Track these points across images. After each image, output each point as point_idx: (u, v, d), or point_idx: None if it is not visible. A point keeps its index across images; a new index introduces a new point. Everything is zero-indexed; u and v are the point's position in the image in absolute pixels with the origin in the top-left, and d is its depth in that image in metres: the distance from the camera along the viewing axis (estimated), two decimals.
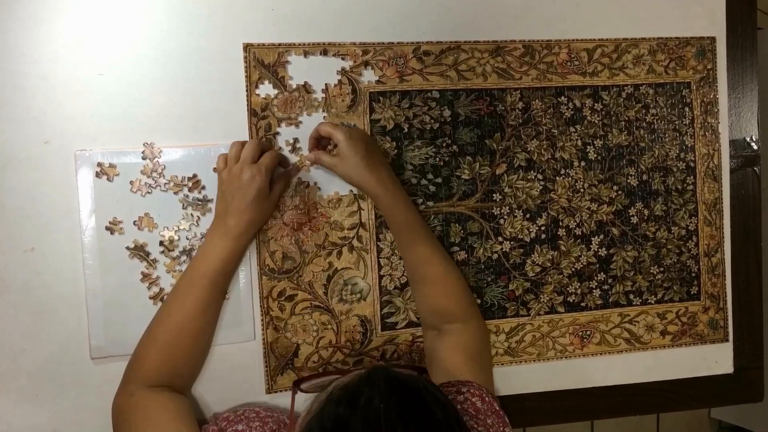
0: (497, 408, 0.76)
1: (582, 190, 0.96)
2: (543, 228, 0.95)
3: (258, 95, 0.86)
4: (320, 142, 0.86)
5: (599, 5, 0.97)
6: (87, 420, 0.83)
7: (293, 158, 0.88)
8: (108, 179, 0.83)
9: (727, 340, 1.01)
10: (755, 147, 1.03)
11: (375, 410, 0.47)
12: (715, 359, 1.01)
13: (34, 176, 0.82)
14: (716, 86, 1.00)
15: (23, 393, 0.82)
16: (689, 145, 0.99)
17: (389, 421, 0.46)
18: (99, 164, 0.83)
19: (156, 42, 0.85)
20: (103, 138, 0.83)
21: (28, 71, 0.82)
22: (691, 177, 0.99)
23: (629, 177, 0.97)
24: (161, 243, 0.84)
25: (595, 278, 0.96)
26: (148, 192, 0.84)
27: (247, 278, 0.86)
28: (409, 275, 0.89)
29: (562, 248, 0.95)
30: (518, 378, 0.95)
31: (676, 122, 0.99)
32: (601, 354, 0.97)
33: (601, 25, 0.97)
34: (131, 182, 0.83)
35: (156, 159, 0.84)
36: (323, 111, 0.88)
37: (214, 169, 0.84)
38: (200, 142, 0.85)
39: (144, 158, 0.84)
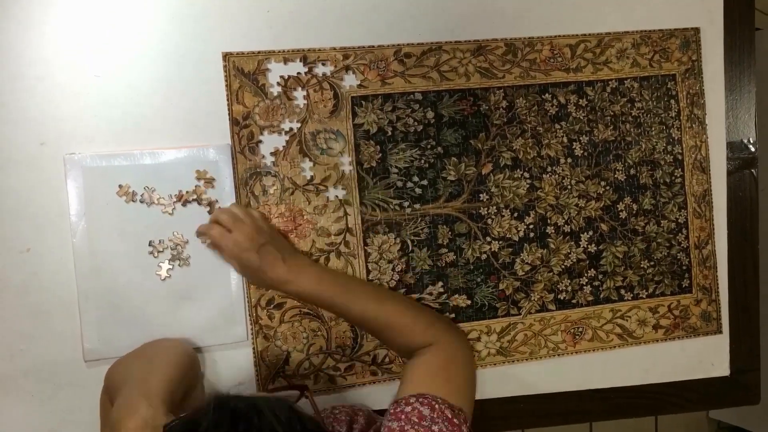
0: (449, 416, 0.75)
1: (569, 186, 0.95)
2: (531, 226, 0.94)
3: (239, 104, 0.86)
4: None
5: (598, 4, 0.96)
6: (84, 420, 0.84)
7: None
8: (97, 183, 0.83)
9: (721, 332, 1.01)
10: (752, 149, 1.02)
11: None
12: (712, 361, 1.01)
13: (31, 177, 0.82)
14: (701, 77, 0.99)
15: (20, 393, 0.82)
16: (676, 138, 0.98)
17: None
18: (88, 168, 0.82)
19: (153, 43, 0.85)
20: (100, 139, 0.84)
21: (24, 72, 0.82)
22: (679, 170, 0.99)
23: (617, 172, 0.97)
24: (150, 243, 0.84)
25: (586, 275, 0.96)
26: (139, 194, 0.84)
27: (238, 278, 0.86)
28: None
29: (551, 246, 0.95)
30: (512, 379, 0.95)
31: (662, 115, 0.98)
32: (593, 350, 0.97)
33: (599, 23, 0.96)
34: (120, 186, 0.83)
35: (146, 162, 0.84)
36: (307, 117, 0.88)
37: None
38: (196, 143, 0.86)
39: (134, 161, 0.84)
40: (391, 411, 0.76)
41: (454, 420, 0.76)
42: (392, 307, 0.85)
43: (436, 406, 0.76)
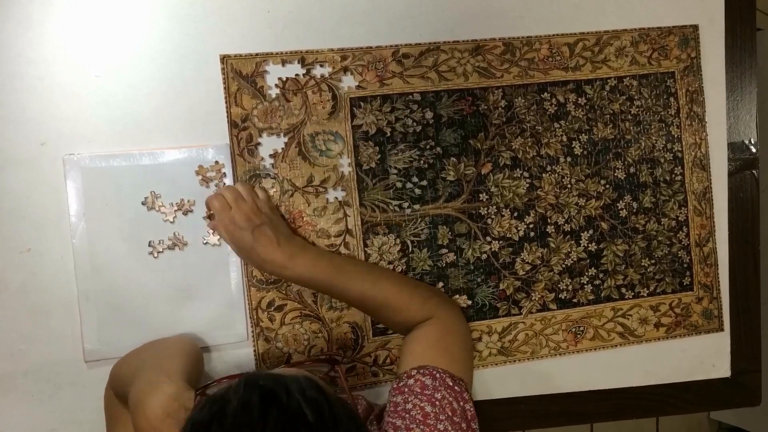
0: (450, 383, 0.76)
1: (569, 185, 0.95)
2: (531, 226, 0.94)
3: (238, 106, 0.86)
4: None
5: (597, 2, 0.97)
6: (84, 420, 0.84)
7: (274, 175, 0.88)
8: (97, 184, 0.83)
9: (722, 330, 1.00)
10: (754, 150, 1.02)
11: (231, 416, 0.48)
12: (713, 362, 1.00)
13: (31, 177, 0.82)
14: (700, 75, 0.99)
15: (20, 393, 0.83)
16: (676, 136, 0.98)
17: (245, 427, 0.47)
18: (88, 168, 0.83)
19: (153, 43, 0.85)
20: (99, 139, 0.84)
21: (24, 72, 0.82)
22: (679, 167, 0.98)
23: (616, 170, 0.97)
24: (150, 243, 0.84)
25: (586, 274, 0.96)
26: (138, 195, 0.84)
27: (237, 279, 0.86)
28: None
29: (552, 245, 0.95)
30: (513, 379, 0.94)
31: (662, 113, 0.98)
32: (595, 350, 0.96)
33: (598, 22, 0.96)
34: (120, 186, 0.83)
35: (145, 162, 0.84)
36: (305, 119, 0.88)
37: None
38: (195, 143, 0.86)
39: (133, 162, 0.84)
40: (395, 386, 0.77)
41: (455, 387, 0.77)
42: (388, 286, 0.85)
43: (437, 375, 0.77)
